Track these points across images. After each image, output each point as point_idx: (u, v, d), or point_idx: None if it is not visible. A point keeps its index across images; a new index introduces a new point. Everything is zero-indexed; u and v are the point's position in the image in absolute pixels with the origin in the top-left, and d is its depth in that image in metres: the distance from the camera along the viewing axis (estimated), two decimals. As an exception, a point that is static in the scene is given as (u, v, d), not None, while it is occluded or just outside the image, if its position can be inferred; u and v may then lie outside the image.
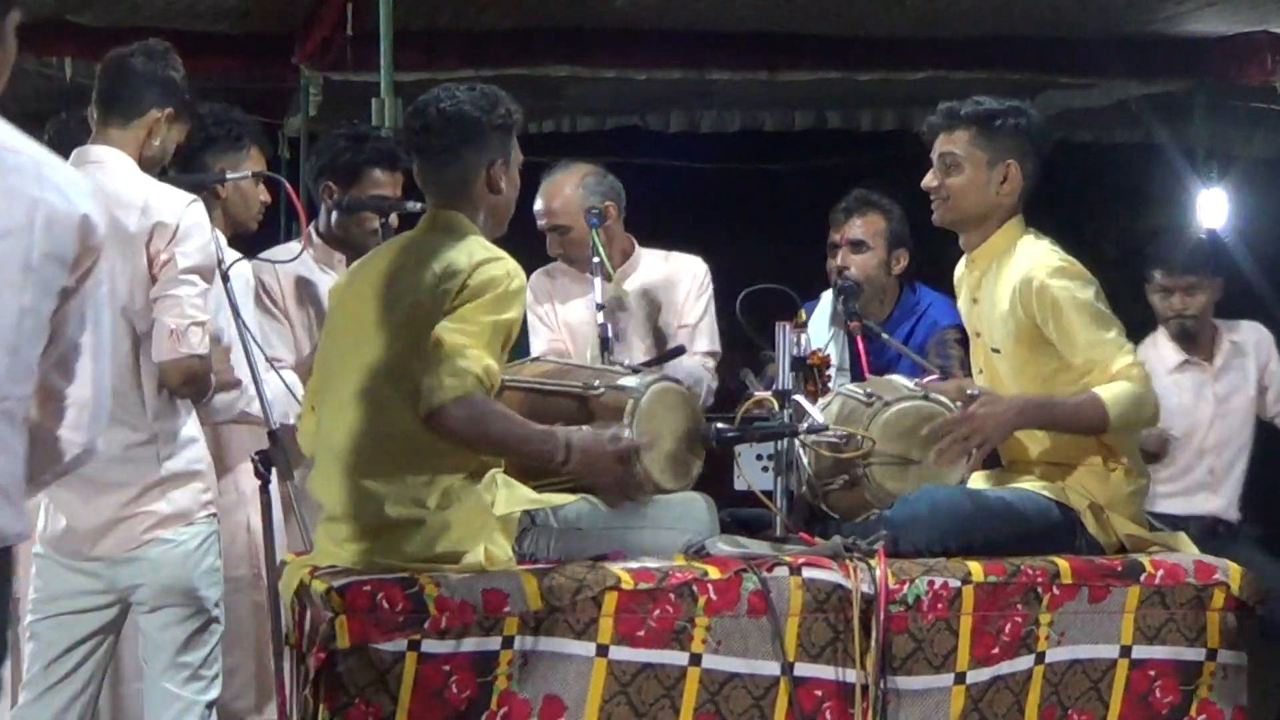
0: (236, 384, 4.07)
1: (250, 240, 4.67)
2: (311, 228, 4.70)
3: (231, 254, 4.16)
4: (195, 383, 3.84)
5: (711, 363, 4.95)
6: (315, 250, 4.69)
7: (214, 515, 3.96)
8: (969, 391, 3.88)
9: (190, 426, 3.95)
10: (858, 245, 5.01)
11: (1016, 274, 3.91)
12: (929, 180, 4.06)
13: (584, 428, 3.61)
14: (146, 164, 3.99)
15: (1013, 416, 3.84)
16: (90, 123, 4.04)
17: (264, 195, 4.56)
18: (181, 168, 4.29)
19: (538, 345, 4.93)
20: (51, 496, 3.94)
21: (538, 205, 4.91)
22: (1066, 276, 3.87)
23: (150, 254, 3.82)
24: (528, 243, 4.49)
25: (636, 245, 5.05)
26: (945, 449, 3.80)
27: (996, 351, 4.00)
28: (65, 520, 3.91)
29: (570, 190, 4.89)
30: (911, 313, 5.01)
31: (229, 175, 4.26)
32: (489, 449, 3.54)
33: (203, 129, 4.46)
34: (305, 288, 4.64)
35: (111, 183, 3.87)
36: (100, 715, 4.28)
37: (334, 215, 4.71)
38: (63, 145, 4.48)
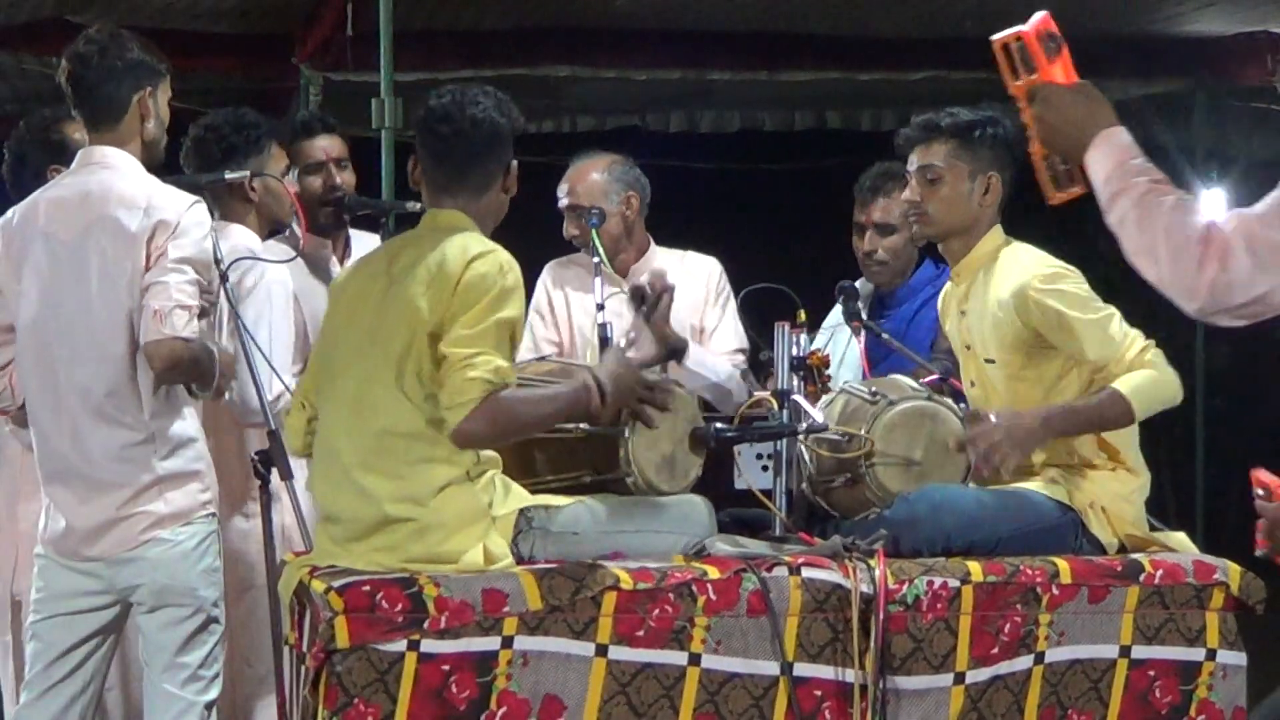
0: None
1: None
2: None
3: (278, 249, 4.20)
4: (179, 367, 3.80)
5: (741, 358, 4.93)
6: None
7: (213, 515, 3.95)
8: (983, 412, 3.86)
9: (188, 426, 3.94)
10: (885, 229, 4.90)
11: (1007, 283, 3.92)
12: (909, 195, 4.07)
13: (597, 364, 3.64)
14: (152, 145, 3.98)
15: (1038, 427, 3.82)
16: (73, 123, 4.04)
17: (294, 188, 4.55)
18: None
19: (532, 342, 4.93)
20: (50, 496, 3.94)
21: (562, 186, 4.94)
22: (1060, 279, 3.88)
23: (149, 251, 3.82)
24: (529, 241, 4.49)
25: (652, 243, 5.05)
26: (976, 468, 3.80)
27: (990, 362, 4.00)
28: (64, 520, 3.90)
29: (597, 174, 4.91)
30: (930, 283, 4.93)
31: (227, 175, 4.25)
32: (529, 434, 3.59)
33: (222, 138, 4.45)
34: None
35: (119, 184, 3.88)
36: (110, 714, 4.29)
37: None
38: (34, 145, 4.51)
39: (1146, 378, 3.82)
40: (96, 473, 3.87)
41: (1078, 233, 4.94)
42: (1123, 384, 3.81)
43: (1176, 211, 2.66)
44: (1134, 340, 3.87)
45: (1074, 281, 3.88)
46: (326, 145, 4.79)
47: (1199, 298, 2.62)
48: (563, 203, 4.94)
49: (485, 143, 3.64)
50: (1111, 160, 2.77)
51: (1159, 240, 2.65)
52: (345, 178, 4.79)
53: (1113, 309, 3.90)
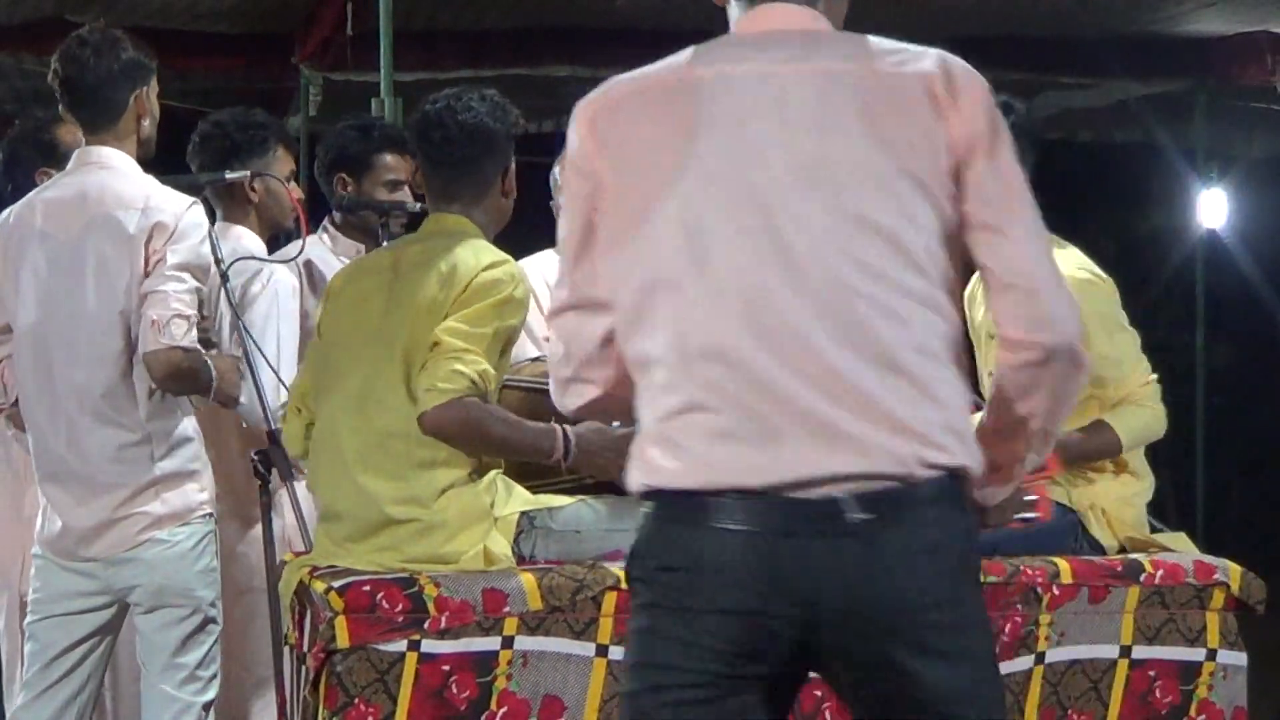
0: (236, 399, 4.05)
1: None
2: (328, 220, 4.72)
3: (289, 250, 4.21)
4: (178, 376, 3.81)
5: None
6: (334, 242, 4.71)
7: (210, 515, 3.95)
8: None
9: (185, 426, 3.93)
10: None
11: None
12: None
13: (583, 424, 3.62)
14: (148, 142, 3.98)
15: None
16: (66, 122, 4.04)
17: (297, 192, 4.52)
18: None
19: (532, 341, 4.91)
20: (47, 497, 3.94)
21: (556, 175, 4.88)
22: (1089, 288, 3.85)
23: (147, 254, 3.82)
24: (531, 241, 4.50)
25: None
26: None
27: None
28: (61, 521, 3.90)
29: None
30: None
31: (228, 175, 4.24)
32: (486, 451, 3.55)
33: (227, 137, 4.44)
34: (319, 282, 4.64)
35: (117, 184, 3.87)
36: (103, 715, 4.29)
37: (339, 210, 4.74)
38: (27, 146, 4.50)
39: (1138, 417, 3.87)
40: (93, 474, 3.86)
41: (1080, 234, 4.95)
42: (1113, 418, 3.85)
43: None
44: (1141, 369, 3.89)
45: (1101, 295, 3.86)
46: (395, 163, 4.67)
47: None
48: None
49: (478, 148, 3.63)
50: None
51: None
52: (400, 198, 4.77)
53: (1132, 332, 3.91)
